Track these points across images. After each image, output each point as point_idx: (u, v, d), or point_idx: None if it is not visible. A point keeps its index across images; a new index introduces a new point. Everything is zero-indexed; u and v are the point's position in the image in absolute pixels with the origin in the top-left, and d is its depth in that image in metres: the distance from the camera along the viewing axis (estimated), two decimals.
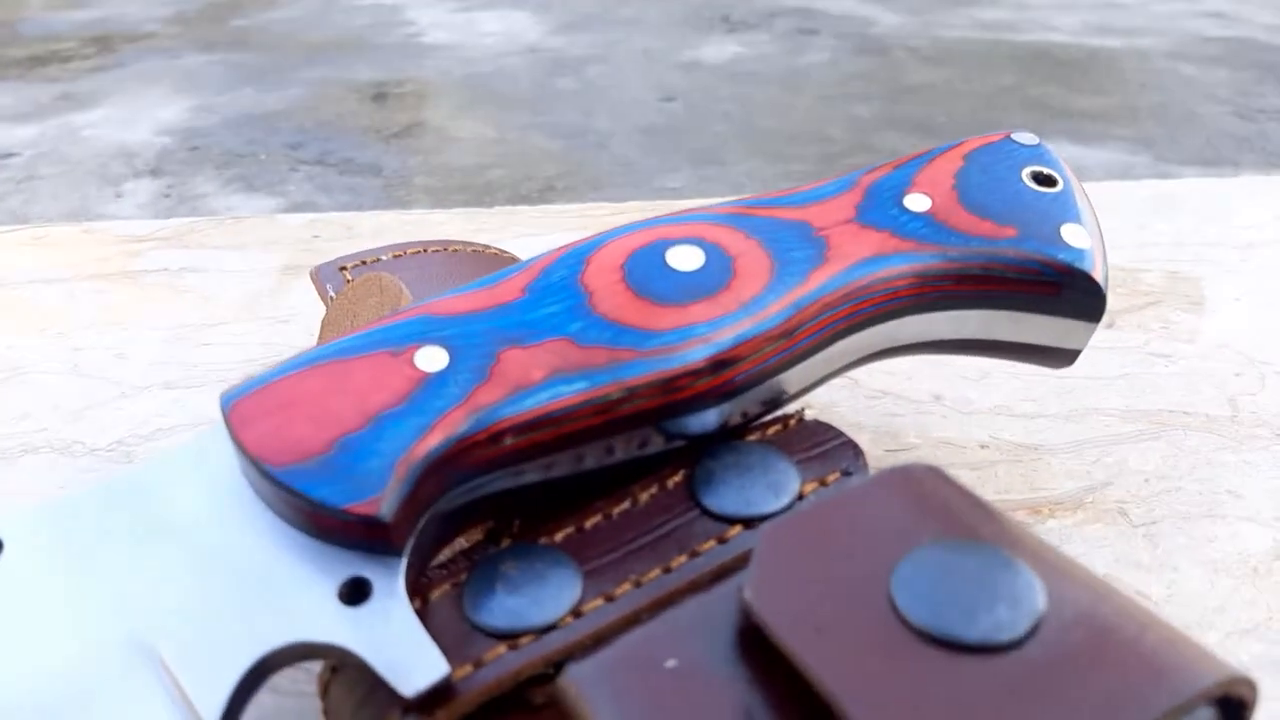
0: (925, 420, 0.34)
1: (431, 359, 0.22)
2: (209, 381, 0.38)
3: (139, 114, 0.84)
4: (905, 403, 0.34)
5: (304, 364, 0.22)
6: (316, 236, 0.49)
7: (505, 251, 0.35)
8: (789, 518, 0.19)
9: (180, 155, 0.78)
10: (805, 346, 0.24)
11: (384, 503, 0.19)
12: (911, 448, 0.32)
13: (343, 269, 0.32)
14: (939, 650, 0.16)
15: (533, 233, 0.50)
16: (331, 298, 0.30)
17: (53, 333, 0.41)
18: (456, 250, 0.34)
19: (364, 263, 0.32)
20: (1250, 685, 0.16)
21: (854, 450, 0.24)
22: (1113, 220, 0.48)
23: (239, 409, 0.21)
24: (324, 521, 0.20)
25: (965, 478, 0.31)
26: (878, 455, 0.32)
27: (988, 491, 0.30)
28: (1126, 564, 0.28)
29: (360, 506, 0.19)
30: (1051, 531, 0.29)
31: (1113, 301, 0.41)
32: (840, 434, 0.24)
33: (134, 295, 0.44)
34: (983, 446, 0.32)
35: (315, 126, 0.83)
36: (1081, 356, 0.27)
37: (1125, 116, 0.87)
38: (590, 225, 0.50)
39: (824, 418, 0.34)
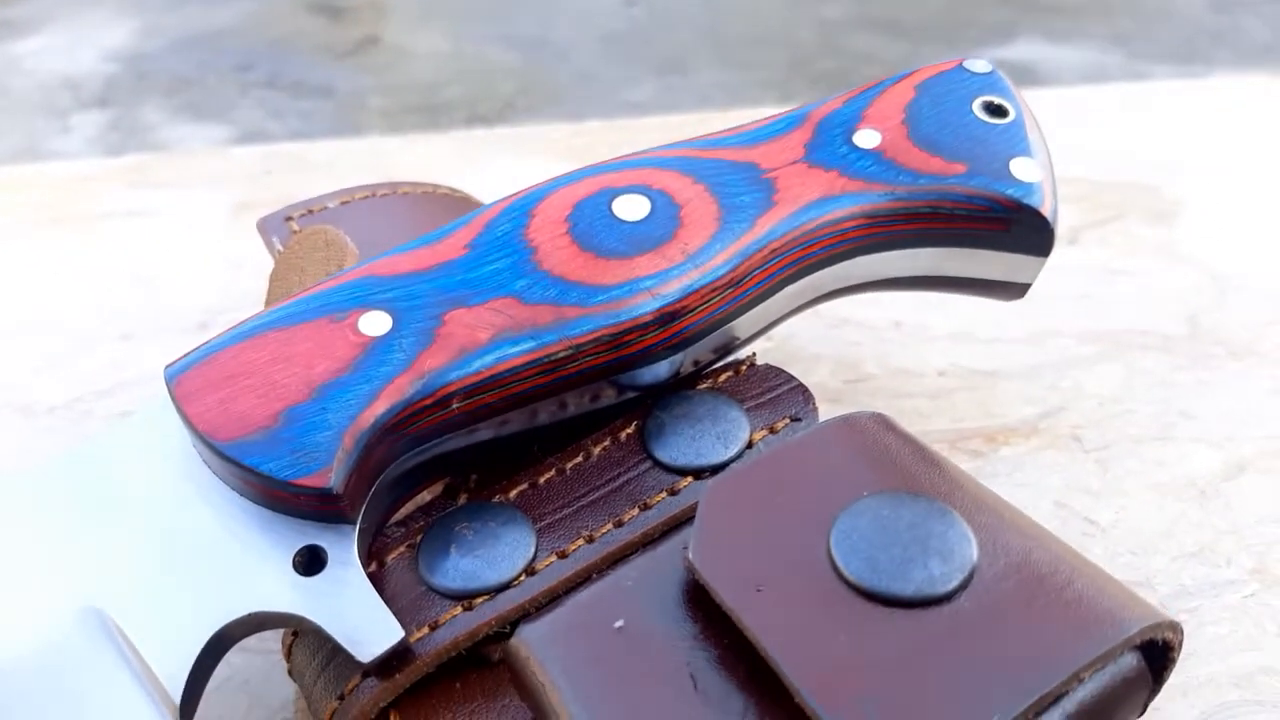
0: (885, 349, 0.34)
1: (375, 324, 0.22)
2: (165, 330, 0.38)
3: (82, 39, 0.81)
4: (865, 330, 0.35)
5: (247, 334, 0.22)
6: (268, 172, 0.48)
7: (456, 190, 0.35)
8: (730, 474, 0.20)
9: (127, 83, 0.76)
10: (755, 293, 0.24)
11: (333, 474, 0.20)
12: (870, 378, 0.33)
13: (288, 219, 0.31)
14: (874, 605, 0.17)
15: (489, 156, 0.49)
16: (278, 250, 0.30)
17: (6, 282, 0.40)
18: (406, 192, 0.34)
19: (310, 211, 0.32)
20: (1174, 628, 0.17)
21: (803, 394, 0.24)
22: (1080, 129, 0.48)
23: (183, 383, 0.21)
24: (274, 494, 0.20)
25: (923, 406, 0.32)
26: (836, 386, 0.33)
27: (944, 420, 0.31)
28: (1077, 490, 0.29)
29: (309, 479, 0.19)
30: (1005, 459, 0.30)
31: (1076, 216, 0.41)
32: (790, 378, 0.25)
33: (87, 241, 0.43)
34: (940, 374, 0.33)
35: (265, 46, 0.81)
36: (1043, 275, 0.27)
37: (1099, 11, 0.86)
38: (550, 148, 0.49)
39: (785, 348, 0.35)
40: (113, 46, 0.82)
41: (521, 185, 0.45)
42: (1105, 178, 0.44)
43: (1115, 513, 0.28)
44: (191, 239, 0.43)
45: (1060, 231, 0.32)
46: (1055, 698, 0.16)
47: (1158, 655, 0.17)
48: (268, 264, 0.38)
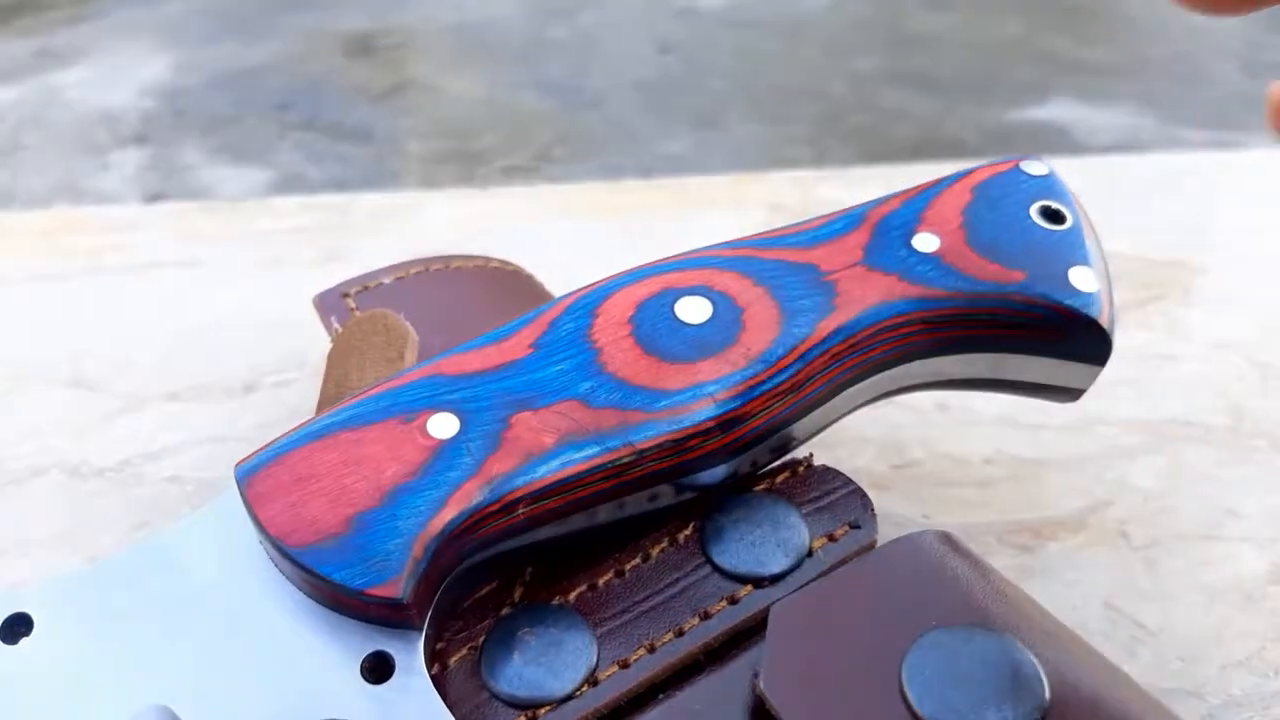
0: (930, 432, 0.34)
1: (443, 426, 0.22)
2: (212, 390, 0.38)
3: (121, 72, 0.82)
4: (910, 412, 0.35)
5: (317, 434, 0.22)
6: (310, 226, 0.49)
7: (508, 263, 0.36)
8: (797, 598, 0.20)
9: (164, 120, 0.77)
10: (815, 397, 0.24)
11: (403, 583, 0.20)
12: (916, 463, 0.33)
13: (345, 295, 0.32)
14: None
15: (530, 214, 0.50)
16: (336, 330, 0.30)
17: (52, 338, 0.41)
18: (459, 266, 0.34)
19: (366, 288, 0.32)
20: None
21: (861, 499, 0.24)
22: (1115, 199, 0.48)
23: (255, 484, 0.21)
24: (344, 600, 0.20)
25: (970, 496, 0.32)
26: (882, 471, 0.33)
27: (991, 512, 0.31)
28: (1126, 590, 0.29)
29: (380, 589, 0.20)
30: (1053, 555, 0.30)
31: (1116, 296, 0.41)
32: (848, 481, 0.25)
33: (132, 293, 0.44)
34: (986, 461, 0.33)
35: (301, 86, 0.82)
36: None
37: (1133, 70, 0.86)
38: (590, 208, 0.50)
39: (830, 430, 0.35)
40: (149, 81, 0.83)
41: (565, 244, 0.46)
42: (1144, 254, 0.44)
43: (1163, 616, 0.28)
44: (234, 294, 0.44)
45: None
46: None
47: None
48: (313, 326, 0.38)
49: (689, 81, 0.82)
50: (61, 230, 0.49)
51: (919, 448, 0.34)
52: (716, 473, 0.24)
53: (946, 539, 0.21)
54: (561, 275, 0.35)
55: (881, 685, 0.18)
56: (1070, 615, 0.28)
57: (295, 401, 0.38)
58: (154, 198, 0.69)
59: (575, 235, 0.47)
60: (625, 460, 0.22)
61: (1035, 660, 0.18)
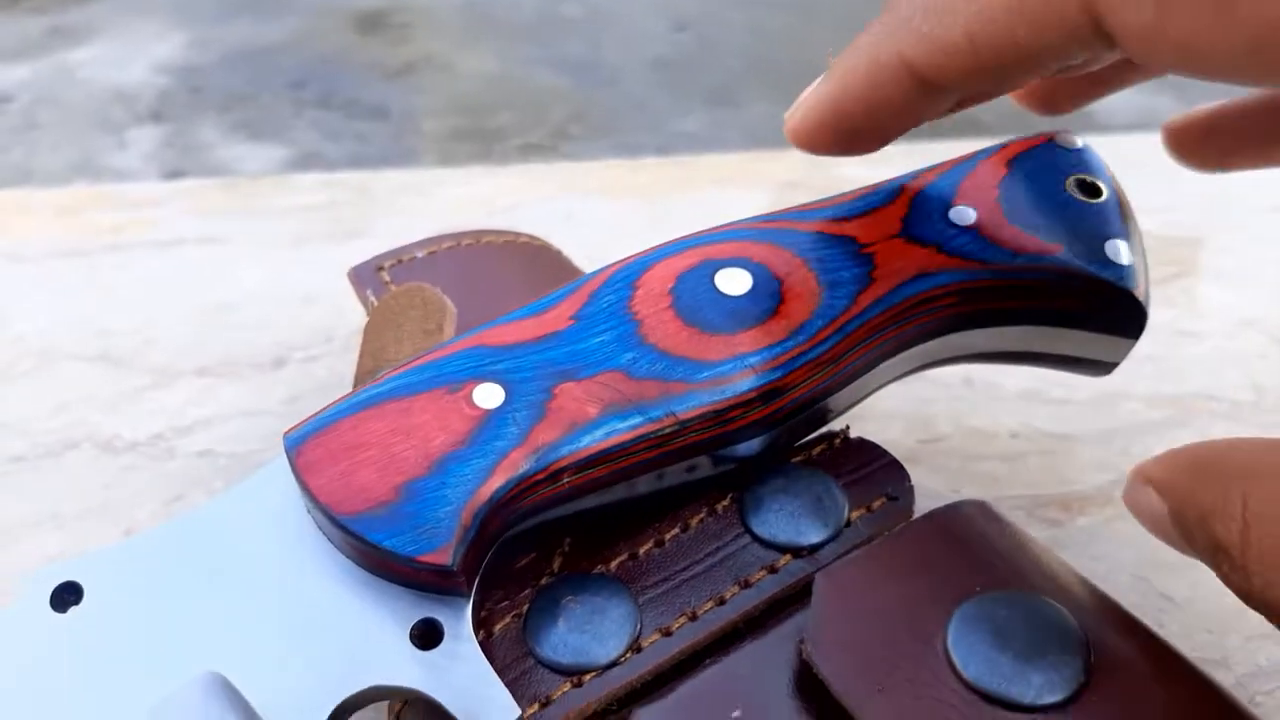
0: (957, 407, 0.34)
1: (489, 396, 0.22)
2: (242, 366, 0.38)
3: (134, 50, 0.82)
4: (937, 387, 0.35)
5: (365, 403, 0.22)
6: (332, 202, 0.49)
7: (536, 238, 0.36)
8: (841, 566, 0.20)
9: (181, 98, 0.77)
10: (854, 369, 0.25)
11: (453, 550, 0.20)
12: (943, 437, 0.34)
13: (379, 269, 0.32)
14: (996, 708, 0.17)
15: (549, 192, 0.50)
16: (373, 303, 0.30)
17: (77, 313, 0.41)
18: (490, 241, 0.34)
19: (400, 261, 0.33)
20: None
21: (898, 471, 0.25)
22: (1135, 178, 0.48)
23: (304, 453, 0.22)
24: (393, 567, 0.21)
25: (997, 470, 0.33)
26: (910, 446, 0.33)
27: (1019, 486, 0.32)
28: (1153, 564, 0.29)
29: (431, 556, 0.20)
30: (1082, 529, 0.30)
31: None
32: (884, 453, 0.25)
33: (155, 269, 0.44)
34: (1013, 435, 0.33)
35: (315, 63, 0.82)
36: None
37: None
38: (609, 185, 0.50)
39: (858, 406, 0.36)
40: (164, 59, 0.83)
41: (585, 222, 0.46)
42: (1166, 232, 0.44)
43: (1190, 588, 0.29)
44: (259, 269, 0.44)
45: None
46: None
47: None
48: (342, 298, 0.39)
49: (704, 58, 0.81)
50: (83, 207, 0.49)
51: (946, 423, 0.34)
52: (755, 444, 0.24)
53: (984, 508, 0.21)
54: (584, 251, 0.36)
55: (927, 650, 0.18)
56: (1101, 587, 0.28)
57: (324, 376, 0.38)
58: (172, 175, 0.69)
59: (596, 212, 0.47)
60: (667, 430, 0.23)
61: (1075, 622, 0.18)
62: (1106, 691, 0.17)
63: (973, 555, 0.20)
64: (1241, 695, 0.26)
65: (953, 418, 0.34)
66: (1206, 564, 0.21)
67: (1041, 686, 0.17)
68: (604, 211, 0.48)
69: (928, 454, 0.33)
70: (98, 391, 0.37)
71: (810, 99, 0.24)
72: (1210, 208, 0.46)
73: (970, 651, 0.18)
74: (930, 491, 0.32)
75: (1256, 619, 0.28)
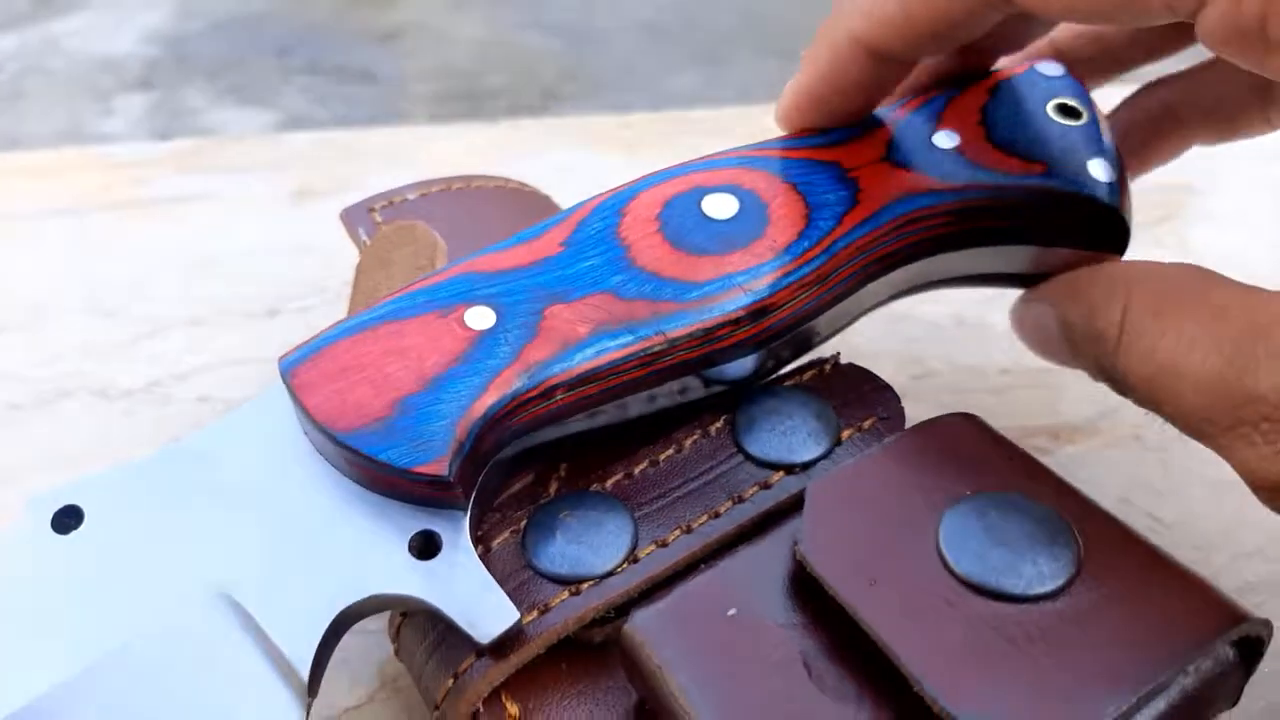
0: (948, 346, 0.35)
1: (480, 318, 0.23)
2: (235, 315, 0.39)
3: (121, 19, 0.82)
4: (927, 326, 0.35)
5: (358, 327, 0.23)
6: (321, 159, 0.49)
7: (526, 185, 0.36)
8: (835, 473, 0.21)
9: (168, 65, 0.77)
10: (840, 290, 0.25)
11: (448, 462, 0.20)
12: (935, 374, 0.34)
13: (371, 210, 0.32)
14: (987, 600, 0.18)
15: (537, 147, 0.50)
16: (365, 242, 0.30)
17: (68, 268, 0.41)
18: (480, 185, 0.35)
19: (391, 203, 0.33)
20: (1268, 627, 0.18)
21: (890, 394, 0.25)
22: None
23: (299, 374, 0.22)
24: (390, 481, 0.21)
25: (987, 403, 0.33)
26: (902, 382, 0.33)
27: (1008, 418, 0.32)
28: (1141, 487, 0.30)
29: (426, 467, 0.20)
30: (1070, 456, 0.31)
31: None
32: (875, 378, 0.25)
33: (146, 225, 0.44)
34: (1003, 371, 0.34)
35: (303, 29, 0.82)
36: None
37: None
38: (597, 140, 0.50)
39: (848, 344, 0.36)
40: (152, 27, 0.82)
41: (573, 175, 0.46)
42: (1154, 176, 0.44)
43: (1177, 510, 0.29)
44: (251, 224, 0.44)
45: None
46: (1161, 687, 0.17)
47: (1248, 649, 0.18)
48: (334, 251, 0.39)
49: (697, 18, 0.81)
50: (72, 168, 0.49)
51: (937, 360, 0.34)
52: (745, 364, 0.24)
53: (973, 419, 0.22)
54: (572, 199, 0.36)
55: (919, 547, 0.18)
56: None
57: (318, 324, 0.38)
58: (160, 139, 0.69)
59: (585, 164, 0.47)
60: (657, 348, 0.23)
61: (1065, 519, 0.19)
62: (1095, 582, 0.18)
63: (963, 460, 0.20)
64: None
65: (944, 355, 0.34)
66: (1087, 367, 0.24)
67: (1032, 578, 0.18)
68: (592, 164, 0.48)
69: (919, 389, 0.33)
70: (90, 342, 0.37)
71: (788, 89, 0.27)
72: (1197, 152, 0.46)
73: (962, 548, 0.18)
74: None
75: (1244, 537, 0.29)
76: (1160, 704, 0.17)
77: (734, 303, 0.23)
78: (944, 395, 0.33)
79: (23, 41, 0.74)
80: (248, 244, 0.42)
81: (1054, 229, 0.26)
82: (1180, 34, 0.28)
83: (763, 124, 0.50)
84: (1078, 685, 0.16)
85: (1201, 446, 0.31)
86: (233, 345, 0.37)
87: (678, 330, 0.23)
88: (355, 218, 0.32)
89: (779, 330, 0.24)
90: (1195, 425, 0.22)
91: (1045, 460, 0.30)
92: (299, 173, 0.47)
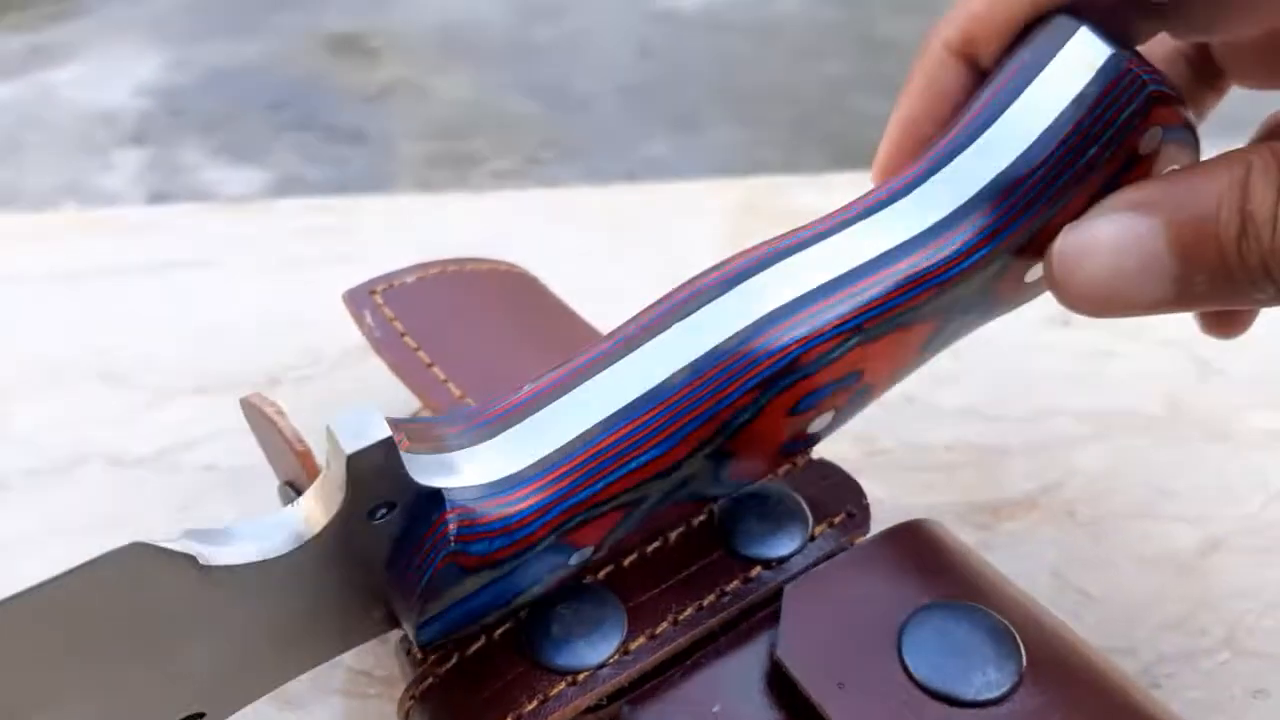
0: (898, 422, 0.36)
1: None
2: (238, 385, 0.39)
3: (114, 71, 0.82)
4: (880, 405, 0.37)
5: None
6: (314, 228, 0.50)
7: (515, 266, 0.37)
8: (807, 579, 0.22)
9: (162, 120, 0.77)
10: None
11: None
12: (886, 451, 0.36)
13: (373, 292, 0.33)
14: (941, 704, 0.19)
15: (522, 220, 0.51)
16: (369, 324, 0.31)
17: (78, 335, 0.42)
18: (474, 269, 0.36)
19: (391, 286, 0.34)
20: None
21: (855, 488, 0.26)
22: None
23: None
24: None
25: (934, 480, 0.35)
26: (856, 458, 0.35)
27: (953, 493, 0.34)
28: (1072, 561, 0.31)
29: None
30: (1008, 532, 0.32)
31: None
32: (842, 472, 0.27)
33: (147, 293, 0.45)
34: (948, 449, 0.36)
35: (293, 85, 0.82)
36: (1041, 356, 0.28)
37: None
38: (576, 213, 0.51)
39: None
40: (145, 80, 0.83)
41: (557, 248, 0.47)
42: None
43: (1104, 584, 0.31)
44: (249, 293, 0.45)
45: (1053, 313, 0.35)
46: None
47: None
48: (331, 321, 0.39)
49: (669, 85, 0.83)
50: (77, 231, 0.49)
51: (889, 438, 0.36)
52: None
53: (935, 527, 0.23)
54: (555, 273, 0.37)
55: (883, 653, 0.20)
56: (1024, 585, 0.30)
57: (317, 394, 0.39)
58: (157, 197, 0.69)
59: (568, 241, 0.49)
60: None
61: (1013, 629, 0.20)
62: (1036, 689, 0.19)
63: (924, 569, 0.22)
64: (1147, 679, 0.28)
65: (895, 433, 0.36)
66: (1205, 278, 0.19)
67: (981, 686, 0.19)
68: (573, 239, 0.49)
69: (872, 466, 0.35)
70: (102, 410, 0.38)
71: (886, 133, 0.24)
72: None
73: (920, 654, 0.20)
74: (875, 499, 0.34)
75: (1165, 610, 0.31)
76: None
77: None
78: (895, 473, 0.34)
79: (18, 90, 0.74)
80: (247, 313, 0.43)
81: None
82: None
83: (731, 196, 0.52)
84: None
85: (1130, 523, 0.33)
86: (236, 414, 0.37)
87: None
88: (358, 300, 0.33)
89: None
90: None
91: (987, 536, 0.32)
92: (295, 240, 0.48)
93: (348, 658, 0.29)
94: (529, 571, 0.21)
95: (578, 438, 0.21)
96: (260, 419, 0.24)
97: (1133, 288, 0.19)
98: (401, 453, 0.19)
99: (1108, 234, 0.20)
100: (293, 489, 0.25)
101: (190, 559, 0.17)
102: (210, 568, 0.18)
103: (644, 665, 0.22)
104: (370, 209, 0.52)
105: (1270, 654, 0.29)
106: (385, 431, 0.18)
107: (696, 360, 0.21)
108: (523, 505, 0.20)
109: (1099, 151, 0.21)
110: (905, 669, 0.20)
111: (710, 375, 0.21)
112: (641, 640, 0.23)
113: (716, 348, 0.21)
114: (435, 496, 0.19)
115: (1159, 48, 0.26)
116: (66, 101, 0.78)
